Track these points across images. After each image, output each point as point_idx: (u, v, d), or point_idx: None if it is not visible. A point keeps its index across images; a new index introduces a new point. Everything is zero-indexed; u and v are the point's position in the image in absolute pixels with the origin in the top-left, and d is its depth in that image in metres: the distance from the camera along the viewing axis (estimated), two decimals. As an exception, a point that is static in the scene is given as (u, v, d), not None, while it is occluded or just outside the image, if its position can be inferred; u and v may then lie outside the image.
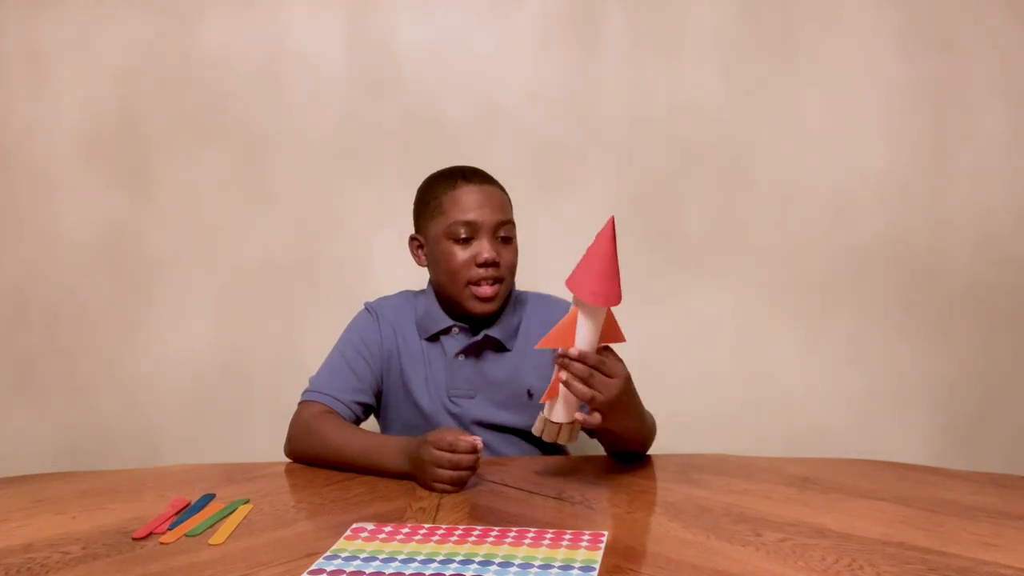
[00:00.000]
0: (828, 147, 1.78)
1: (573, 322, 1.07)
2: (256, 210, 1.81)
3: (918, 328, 1.79)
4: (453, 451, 1.07)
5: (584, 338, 1.06)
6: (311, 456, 1.26)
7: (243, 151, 1.81)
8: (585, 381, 1.05)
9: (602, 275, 1.05)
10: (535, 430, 1.12)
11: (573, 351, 1.05)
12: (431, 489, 1.09)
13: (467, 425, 1.35)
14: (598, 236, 1.06)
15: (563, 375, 1.05)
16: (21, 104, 1.81)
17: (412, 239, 1.40)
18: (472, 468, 1.09)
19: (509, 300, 1.39)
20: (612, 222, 1.06)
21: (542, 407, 1.12)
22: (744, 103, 1.78)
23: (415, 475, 1.12)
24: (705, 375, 1.79)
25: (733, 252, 1.79)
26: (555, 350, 1.08)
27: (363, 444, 1.21)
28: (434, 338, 1.37)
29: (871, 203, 1.78)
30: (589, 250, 1.07)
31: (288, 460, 1.30)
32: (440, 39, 1.79)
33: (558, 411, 1.10)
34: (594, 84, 1.79)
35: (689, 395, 1.78)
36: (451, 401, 1.35)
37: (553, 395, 1.09)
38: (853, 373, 1.79)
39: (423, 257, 1.38)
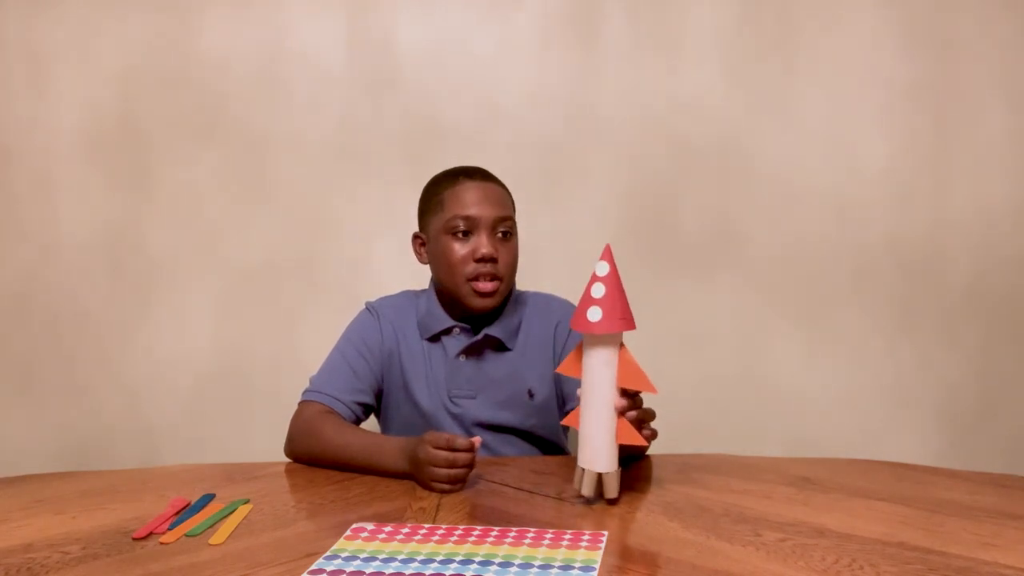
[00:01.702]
0: (828, 147, 1.78)
1: (638, 369, 1.02)
2: (256, 210, 1.81)
3: (918, 328, 1.79)
4: (450, 449, 1.07)
5: None
6: (311, 456, 1.26)
7: (243, 151, 1.81)
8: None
9: (625, 299, 1.03)
10: (586, 492, 1.03)
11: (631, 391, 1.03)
12: (430, 489, 1.09)
13: (468, 425, 1.35)
14: (613, 267, 1.02)
15: (633, 414, 1.02)
16: (21, 104, 1.81)
17: (415, 237, 1.41)
18: (469, 467, 1.09)
19: (510, 299, 1.39)
20: (609, 249, 1.04)
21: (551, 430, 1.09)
22: (744, 103, 1.78)
23: (414, 475, 1.12)
24: (705, 375, 1.79)
25: (733, 252, 1.79)
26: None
27: (362, 444, 1.21)
28: (435, 338, 1.37)
29: (871, 203, 1.78)
30: (615, 284, 1.01)
31: (288, 460, 1.30)
32: (440, 39, 1.79)
33: (612, 458, 1.02)
34: (594, 84, 1.79)
35: (689, 395, 1.78)
36: (452, 401, 1.35)
37: (623, 440, 1.02)
38: (853, 373, 1.79)
39: (425, 255, 1.39)
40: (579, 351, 1.05)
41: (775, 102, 1.78)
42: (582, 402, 1.03)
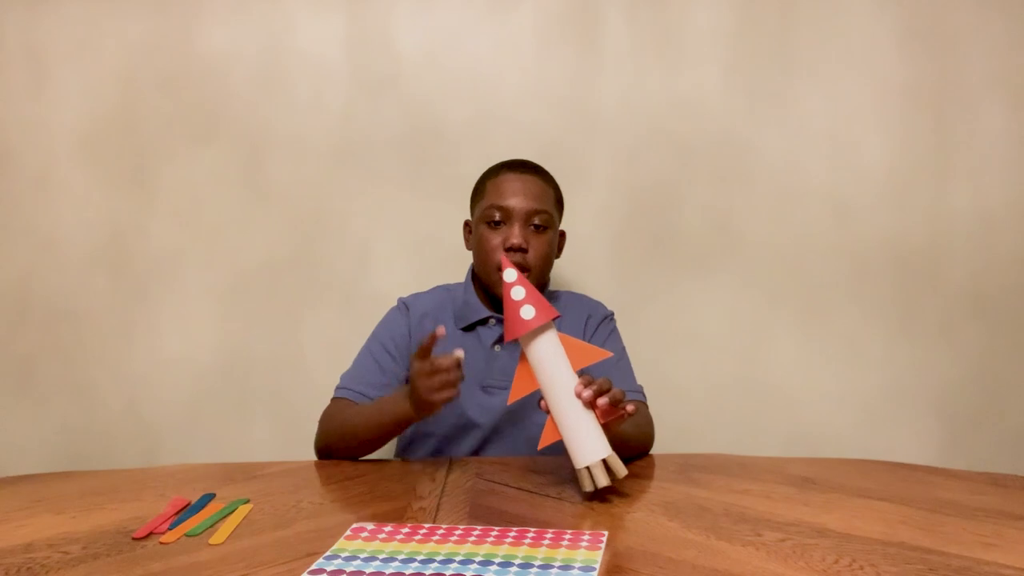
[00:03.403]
0: (828, 147, 1.78)
1: (584, 344, 1.07)
2: (256, 210, 1.81)
3: (918, 328, 1.79)
4: (433, 368, 1.11)
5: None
6: (335, 443, 1.27)
7: (243, 151, 1.81)
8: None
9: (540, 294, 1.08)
10: (603, 482, 1.01)
11: (587, 379, 1.04)
12: (431, 405, 1.12)
13: (498, 415, 1.35)
14: (519, 276, 1.06)
15: (603, 400, 1.02)
16: (21, 104, 1.81)
17: (465, 224, 1.45)
18: (456, 369, 1.11)
19: (543, 293, 1.40)
20: (505, 258, 1.11)
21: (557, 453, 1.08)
22: (744, 103, 1.78)
23: (415, 403, 1.15)
24: (705, 375, 1.79)
25: (733, 252, 1.79)
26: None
27: (372, 408, 1.24)
28: (471, 328, 1.39)
29: (871, 203, 1.78)
30: (527, 283, 1.05)
31: (314, 459, 1.30)
32: (440, 39, 1.79)
33: (602, 444, 1.02)
34: (594, 84, 1.79)
35: (689, 395, 1.78)
36: (484, 391, 1.35)
37: (606, 418, 1.04)
38: (853, 373, 1.79)
39: (470, 242, 1.43)
40: (523, 365, 1.06)
41: (775, 102, 1.78)
42: (551, 403, 1.03)
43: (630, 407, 1.04)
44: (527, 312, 1.02)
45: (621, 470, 1.02)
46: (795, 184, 1.79)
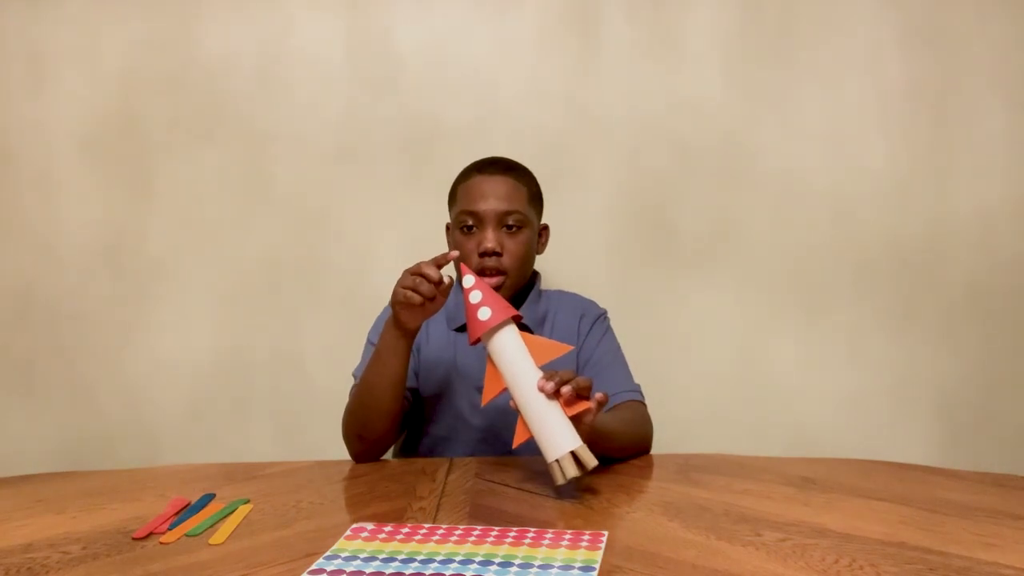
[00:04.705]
0: (828, 147, 1.78)
1: (545, 340, 1.08)
2: (256, 210, 1.81)
3: (918, 328, 1.79)
4: (418, 274, 1.13)
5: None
6: (356, 420, 1.26)
7: (243, 151, 1.81)
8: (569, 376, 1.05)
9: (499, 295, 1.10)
10: (572, 473, 1.01)
11: (549, 373, 1.04)
12: (397, 312, 1.15)
13: (492, 415, 1.35)
14: (476, 280, 1.09)
15: (566, 389, 1.02)
16: (21, 104, 1.81)
17: (447, 227, 1.45)
18: (433, 284, 1.12)
19: (531, 293, 1.40)
20: (463, 266, 1.13)
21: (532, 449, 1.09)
22: (744, 103, 1.78)
23: (395, 310, 1.17)
24: (705, 375, 1.79)
25: (733, 252, 1.79)
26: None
27: (372, 357, 1.23)
28: (462, 329, 1.38)
29: (871, 203, 1.78)
30: (485, 286, 1.08)
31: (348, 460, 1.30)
32: (440, 39, 1.79)
33: (571, 436, 1.03)
34: (594, 84, 1.79)
35: (689, 395, 1.78)
36: (478, 392, 1.35)
37: (573, 411, 1.04)
38: (853, 373, 1.79)
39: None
40: (490, 366, 1.07)
41: (775, 102, 1.78)
42: (519, 399, 1.04)
43: (598, 395, 1.05)
44: (483, 313, 1.05)
45: (591, 461, 1.02)
46: (795, 184, 1.79)
